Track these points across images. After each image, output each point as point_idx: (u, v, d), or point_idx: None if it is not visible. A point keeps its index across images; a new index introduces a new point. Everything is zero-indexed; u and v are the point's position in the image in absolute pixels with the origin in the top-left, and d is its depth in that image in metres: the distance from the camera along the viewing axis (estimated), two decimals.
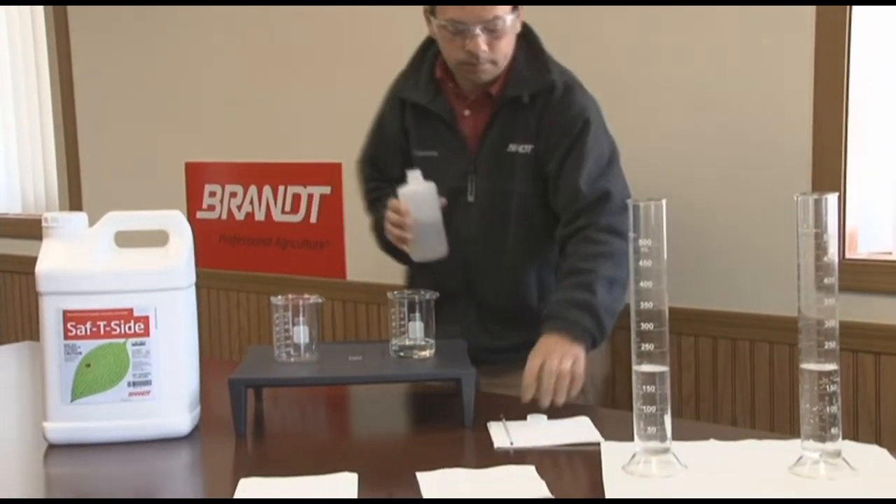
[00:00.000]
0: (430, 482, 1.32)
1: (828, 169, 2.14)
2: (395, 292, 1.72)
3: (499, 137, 1.93)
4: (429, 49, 2.01)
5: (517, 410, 1.60)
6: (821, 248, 1.27)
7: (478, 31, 1.82)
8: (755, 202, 2.24)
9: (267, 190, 3.05)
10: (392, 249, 1.99)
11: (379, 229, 2.01)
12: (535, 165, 1.90)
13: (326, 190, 2.93)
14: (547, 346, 1.68)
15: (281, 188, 3.02)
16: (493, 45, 1.85)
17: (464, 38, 1.83)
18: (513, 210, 1.93)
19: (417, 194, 1.87)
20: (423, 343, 1.69)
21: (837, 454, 1.30)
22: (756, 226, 2.26)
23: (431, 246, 1.89)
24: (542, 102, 1.90)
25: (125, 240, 1.62)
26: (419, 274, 2.04)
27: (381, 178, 2.08)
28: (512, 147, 1.92)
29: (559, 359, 1.64)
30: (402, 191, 1.88)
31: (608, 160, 1.90)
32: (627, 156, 1.95)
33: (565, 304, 1.74)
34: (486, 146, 1.94)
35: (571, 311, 1.72)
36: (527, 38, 1.94)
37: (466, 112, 1.96)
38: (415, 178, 1.87)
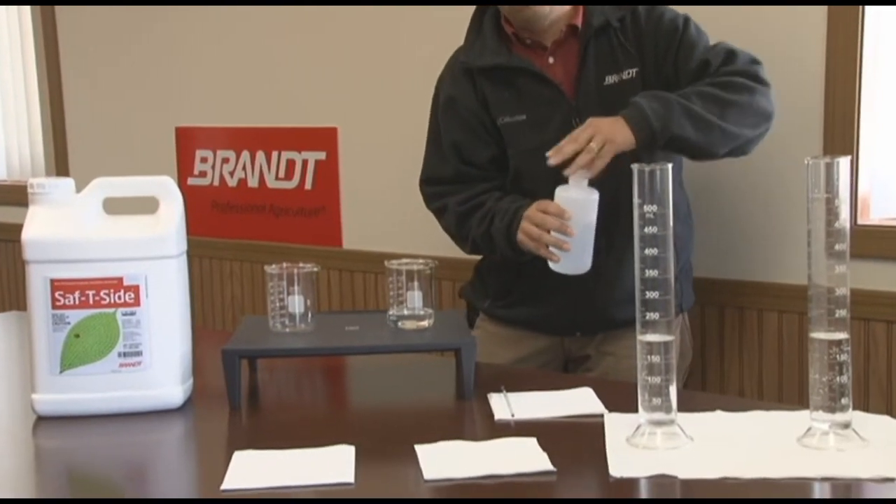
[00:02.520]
0: (429, 455, 1.32)
1: (840, 133, 2.13)
2: (393, 261, 1.72)
3: (596, 71, 1.88)
4: (485, 13, 1.95)
5: (518, 381, 1.60)
6: (832, 213, 1.27)
7: None
8: (764, 166, 2.23)
9: (260, 155, 3.05)
10: (509, 257, 1.86)
11: (498, 238, 1.85)
12: (645, 85, 1.87)
13: (322, 155, 2.93)
14: (595, 120, 1.76)
15: (275, 154, 3.01)
16: None
17: None
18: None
19: (582, 202, 1.74)
20: (421, 313, 1.69)
21: (847, 425, 1.30)
22: (765, 191, 2.25)
23: (581, 259, 1.78)
24: (632, 21, 1.87)
25: (114, 207, 1.62)
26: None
27: (464, 181, 1.94)
28: (610, 79, 1.88)
29: (591, 132, 1.73)
30: (566, 195, 1.75)
31: (700, 33, 1.91)
32: None
33: (642, 94, 1.79)
34: (584, 85, 1.89)
35: (643, 96, 1.78)
36: None
37: (550, 59, 1.91)
38: (578, 183, 1.74)
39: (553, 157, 1.75)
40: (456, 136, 1.96)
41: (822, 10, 2.12)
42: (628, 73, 1.89)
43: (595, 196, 1.76)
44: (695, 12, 1.98)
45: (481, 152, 1.95)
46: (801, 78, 2.16)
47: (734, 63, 1.85)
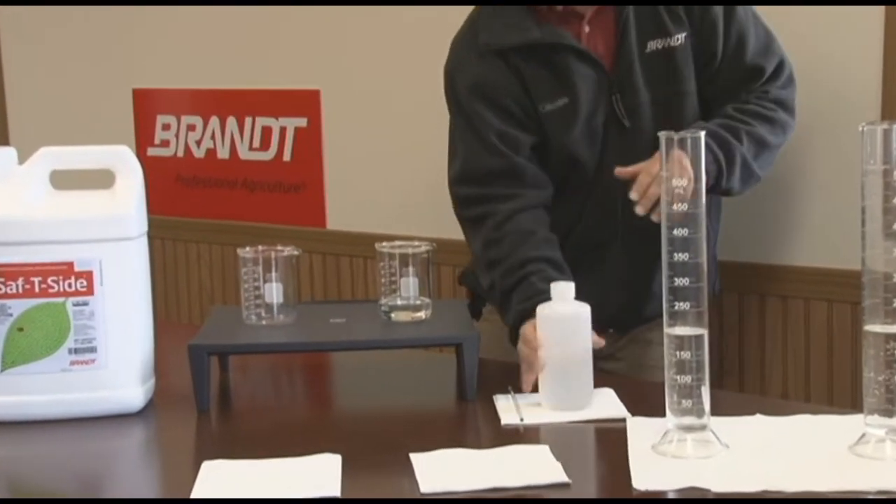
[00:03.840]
0: (426, 465, 1.33)
1: None
2: (385, 243, 1.73)
3: (638, 36, 1.88)
4: None
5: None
6: (890, 188, 1.27)
7: None
8: (811, 136, 2.24)
9: (231, 122, 3.04)
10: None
11: (508, 317, 1.77)
12: (694, 55, 1.88)
13: (302, 122, 2.92)
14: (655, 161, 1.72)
15: (248, 120, 3.01)
16: None
17: None
18: (687, 118, 1.88)
19: (563, 321, 1.56)
20: (417, 303, 1.70)
21: None
22: (812, 163, 2.26)
23: (571, 394, 1.55)
24: None
25: (63, 180, 1.62)
26: (564, 223, 1.88)
27: (518, 176, 1.86)
28: (654, 44, 1.88)
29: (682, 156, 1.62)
30: (543, 313, 1.57)
31: (766, 26, 1.95)
32: None
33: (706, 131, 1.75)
34: (625, 53, 1.87)
35: (712, 136, 1.78)
36: None
37: (586, 28, 1.89)
38: (561, 293, 1.57)
39: (641, 206, 1.74)
40: (497, 124, 1.88)
41: None
42: (677, 39, 1.88)
43: (584, 311, 1.56)
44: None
45: (528, 137, 1.88)
46: (857, 39, 2.16)
47: (779, 78, 1.93)
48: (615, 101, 1.87)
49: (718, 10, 1.90)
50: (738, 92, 1.91)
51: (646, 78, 1.87)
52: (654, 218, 1.71)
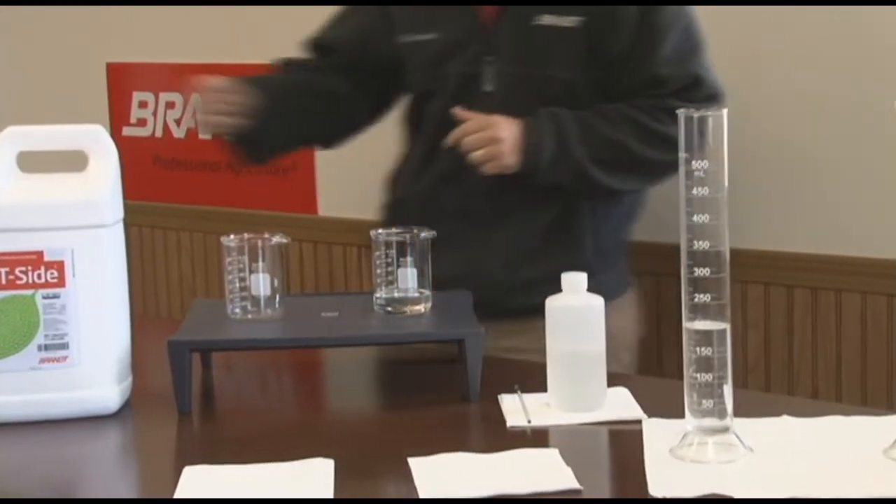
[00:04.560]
0: (426, 470, 1.33)
1: None
2: (380, 230, 1.73)
3: (530, 7, 1.92)
4: None
5: (537, 379, 1.61)
6: None
7: None
8: (842, 113, 2.24)
9: None
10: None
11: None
12: (588, 44, 1.92)
13: None
14: (504, 124, 1.89)
15: None
16: None
17: None
18: (555, 103, 1.94)
19: (574, 313, 1.54)
20: (416, 295, 1.70)
21: None
22: (844, 143, 2.26)
23: (582, 393, 1.54)
24: None
25: (31, 163, 1.62)
26: (422, 196, 2.05)
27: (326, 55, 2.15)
28: (548, 19, 1.92)
29: (492, 134, 1.88)
30: (553, 305, 1.54)
31: (696, 39, 1.95)
32: None
33: (552, 116, 1.91)
34: (509, 17, 1.94)
35: (547, 123, 1.91)
36: None
37: None
38: (572, 284, 1.54)
39: (449, 139, 1.92)
40: (335, 38, 2.14)
41: None
42: (569, 21, 1.92)
43: (597, 304, 1.55)
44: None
45: (361, 61, 2.10)
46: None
47: (689, 93, 1.92)
48: (486, 63, 1.95)
49: (634, 9, 1.91)
50: (637, 97, 1.94)
51: (528, 50, 1.93)
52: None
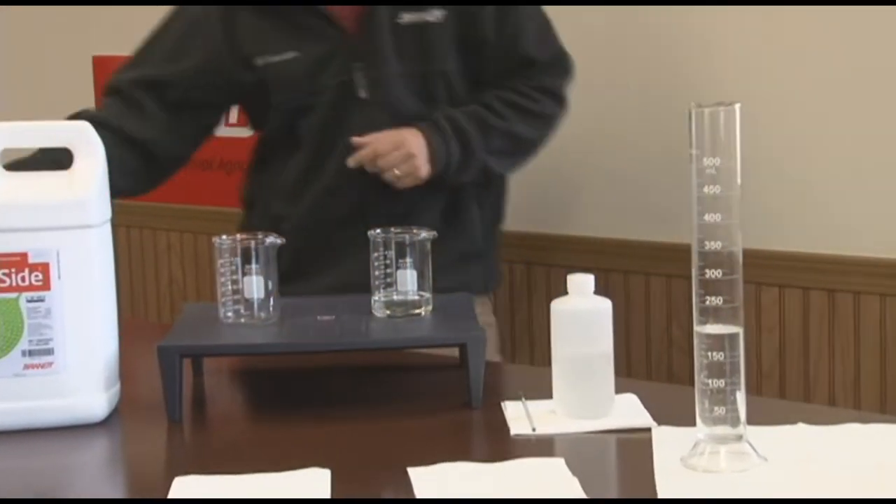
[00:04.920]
0: (427, 481, 1.33)
1: None
2: (379, 231, 1.73)
3: (391, 7, 2.01)
4: None
5: (542, 385, 1.61)
6: None
7: None
8: (862, 120, 2.24)
9: None
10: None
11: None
12: (457, 34, 2.03)
13: None
14: (410, 137, 2.02)
15: None
16: None
17: None
18: (441, 99, 2.06)
19: (580, 316, 1.53)
20: (416, 298, 1.70)
21: None
22: (863, 135, 2.26)
23: (589, 400, 1.54)
24: None
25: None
26: (286, 204, 2.13)
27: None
28: (409, 17, 2.00)
29: (404, 153, 2.00)
30: (558, 308, 1.54)
31: (547, 16, 2.14)
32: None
33: (449, 119, 2.06)
34: (371, 21, 2.01)
35: (448, 127, 2.05)
36: None
37: None
38: (579, 285, 1.53)
39: (352, 160, 2.03)
40: (169, 71, 2.13)
41: None
42: (434, 15, 2.01)
43: (605, 307, 1.54)
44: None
45: (203, 94, 2.11)
46: None
47: (552, 68, 2.15)
48: (356, 70, 2.02)
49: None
50: (509, 80, 2.13)
51: (397, 50, 2.01)
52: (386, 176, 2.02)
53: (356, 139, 2.03)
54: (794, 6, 2.29)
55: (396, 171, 2.02)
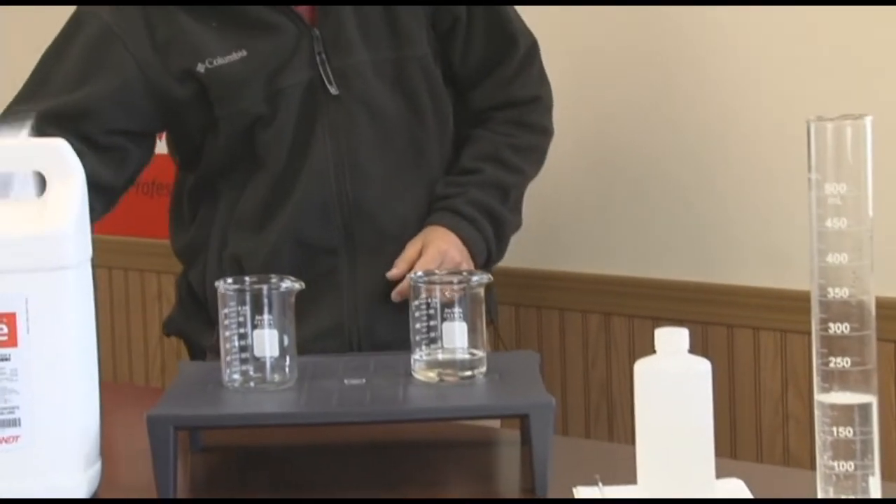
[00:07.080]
0: None
1: None
2: (420, 273, 1.74)
3: None
4: None
5: (621, 465, 1.61)
6: None
7: None
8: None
9: None
10: None
11: None
12: (435, 15, 2.16)
13: None
14: (439, 234, 2.18)
15: None
16: None
17: None
18: (417, 87, 2.15)
19: (672, 381, 1.51)
20: (466, 357, 1.70)
21: None
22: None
23: (683, 483, 1.51)
24: None
25: None
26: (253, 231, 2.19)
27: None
28: None
29: (438, 259, 2.14)
30: (643, 370, 1.51)
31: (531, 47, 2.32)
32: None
33: (472, 203, 2.22)
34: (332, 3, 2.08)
35: (475, 214, 2.22)
36: None
37: None
38: (670, 342, 1.51)
39: (395, 295, 2.16)
40: (93, 98, 2.13)
41: None
42: None
43: (703, 368, 1.51)
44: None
45: (135, 121, 2.17)
46: None
47: (531, 65, 2.32)
48: (321, 63, 2.08)
49: None
50: (495, 67, 2.26)
51: (363, 35, 2.08)
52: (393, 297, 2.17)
53: (393, 273, 2.17)
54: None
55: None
